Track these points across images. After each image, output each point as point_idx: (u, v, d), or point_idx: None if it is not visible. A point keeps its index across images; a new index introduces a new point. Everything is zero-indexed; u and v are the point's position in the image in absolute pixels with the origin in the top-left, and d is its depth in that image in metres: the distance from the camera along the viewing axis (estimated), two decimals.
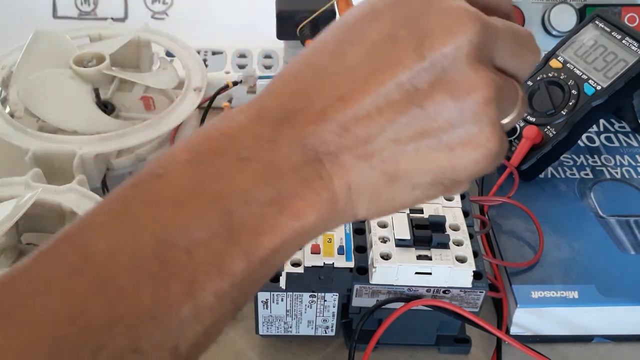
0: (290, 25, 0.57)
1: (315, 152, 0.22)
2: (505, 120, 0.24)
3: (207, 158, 0.21)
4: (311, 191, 0.22)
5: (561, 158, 0.51)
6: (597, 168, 0.51)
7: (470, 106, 0.22)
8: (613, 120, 0.56)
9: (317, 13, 0.56)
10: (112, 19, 0.58)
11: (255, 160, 0.21)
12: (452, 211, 0.38)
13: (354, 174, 0.22)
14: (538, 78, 0.51)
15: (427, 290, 0.37)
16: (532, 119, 0.50)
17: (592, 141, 0.54)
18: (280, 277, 0.36)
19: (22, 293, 0.19)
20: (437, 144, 0.22)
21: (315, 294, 0.37)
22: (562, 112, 0.49)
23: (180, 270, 0.20)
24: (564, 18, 0.62)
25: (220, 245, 0.20)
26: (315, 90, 0.22)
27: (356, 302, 0.37)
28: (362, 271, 0.36)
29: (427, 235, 0.36)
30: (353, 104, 0.22)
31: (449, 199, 0.39)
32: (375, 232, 0.37)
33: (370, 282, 0.36)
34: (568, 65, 0.50)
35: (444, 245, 0.36)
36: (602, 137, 0.55)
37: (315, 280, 0.36)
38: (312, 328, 0.39)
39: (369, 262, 0.36)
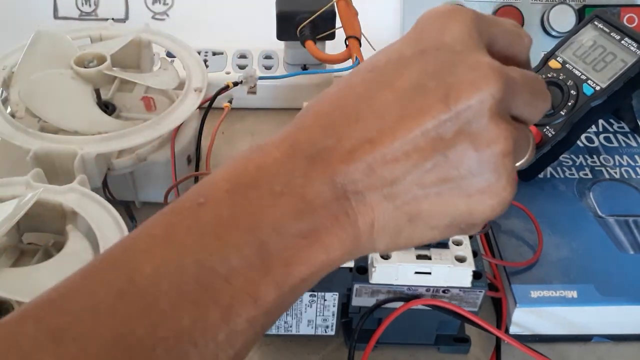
0: (290, 26, 0.57)
1: (344, 190, 0.23)
2: (517, 164, 0.25)
3: (244, 190, 0.23)
4: (339, 227, 0.23)
5: (560, 158, 0.51)
6: (596, 168, 0.51)
7: (490, 157, 0.23)
8: (612, 121, 0.57)
9: (317, 14, 0.56)
10: (112, 19, 0.58)
11: (288, 194, 0.23)
12: None
13: (378, 213, 0.24)
14: None
15: (427, 290, 0.37)
16: None
17: (591, 141, 0.54)
18: None
19: (70, 312, 0.20)
20: (457, 190, 0.24)
21: (315, 293, 0.37)
22: (561, 112, 0.49)
23: (219, 296, 0.21)
24: (563, 18, 0.62)
25: (254, 275, 0.22)
26: (345, 130, 0.24)
27: (356, 301, 0.38)
28: (361, 271, 0.37)
29: None
30: (381, 147, 0.23)
31: None
32: None
33: (370, 282, 0.36)
34: (567, 65, 0.51)
35: (444, 245, 0.36)
36: (601, 137, 0.55)
37: None
38: (312, 327, 0.39)
39: (369, 262, 0.37)
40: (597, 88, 0.49)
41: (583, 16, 0.61)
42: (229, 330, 0.21)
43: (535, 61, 0.53)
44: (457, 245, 0.36)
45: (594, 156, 0.53)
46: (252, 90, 0.59)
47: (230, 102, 0.55)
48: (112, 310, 0.20)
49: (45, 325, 0.20)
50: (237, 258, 0.22)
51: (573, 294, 0.41)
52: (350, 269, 0.36)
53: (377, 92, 0.24)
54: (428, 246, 0.36)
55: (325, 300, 0.37)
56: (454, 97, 0.23)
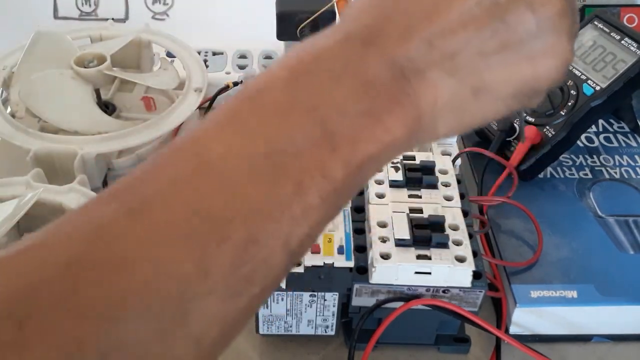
0: (290, 26, 0.57)
1: (402, 70, 0.23)
2: None
3: (302, 76, 0.23)
4: (399, 107, 0.23)
5: (560, 158, 0.51)
6: (596, 168, 0.51)
7: (548, 17, 0.24)
8: (612, 121, 0.57)
9: (317, 14, 0.56)
10: (112, 19, 0.59)
11: (346, 77, 0.23)
12: (451, 211, 0.38)
13: (441, 90, 0.24)
14: None
15: (427, 290, 0.37)
16: (531, 119, 0.50)
17: (591, 141, 0.54)
18: None
19: (151, 191, 0.21)
20: (519, 55, 0.24)
21: (315, 293, 0.37)
22: (561, 112, 0.49)
23: (289, 172, 0.22)
24: None
25: (321, 152, 0.22)
26: (398, 12, 0.24)
27: (356, 301, 0.38)
28: (362, 271, 0.37)
29: (426, 235, 0.36)
30: (438, 20, 0.23)
31: (449, 199, 0.39)
32: (375, 231, 0.37)
33: (370, 282, 0.36)
34: None
35: (444, 245, 0.36)
36: (601, 137, 0.55)
37: (315, 279, 0.36)
38: (312, 327, 0.39)
39: (369, 262, 0.37)
40: (597, 88, 0.49)
41: (583, 16, 0.61)
42: (302, 204, 0.22)
43: None
44: (457, 245, 0.36)
45: (594, 156, 0.53)
46: None
47: None
48: (189, 186, 0.21)
49: (124, 204, 0.20)
50: (303, 137, 0.22)
51: (573, 294, 0.41)
52: (351, 269, 0.36)
53: None
54: (428, 246, 0.36)
55: (325, 300, 0.37)
56: None
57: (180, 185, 0.21)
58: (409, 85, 0.23)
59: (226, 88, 0.55)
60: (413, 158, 0.41)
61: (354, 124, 0.23)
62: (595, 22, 0.51)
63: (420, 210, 0.38)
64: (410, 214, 0.38)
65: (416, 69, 0.23)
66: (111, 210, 0.20)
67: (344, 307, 0.38)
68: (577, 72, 0.50)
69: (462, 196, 0.40)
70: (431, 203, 0.39)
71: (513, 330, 0.42)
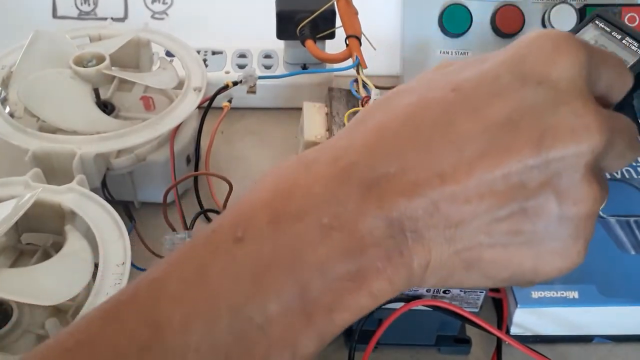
0: (290, 25, 0.57)
1: (401, 227, 0.20)
2: None
3: (288, 222, 0.20)
4: (391, 268, 0.21)
5: None
6: None
7: (573, 218, 0.21)
8: None
9: (317, 13, 0.56)
10: (112, 18, 0.58)
11: (337, 229, 0.20)
12: None
13: (435, 255, 0.21)
14: None
15: (427, 290, 0.37)
16: None
17: None
18: None
19: None
20: (527, 246, 0.21)
21: None
22: None
23: (254, 347, 0.19)
24: (564, 18, 0.62)
25: (294, 323, 0.20)
26: (412, 157, 0.20)
27: None
28: None
29: None
30: (453, 184, 0.20)
31: None
32: None
33: None
34: None
35: None
36: None
37: None
38: None
39: None
40: None
41: (584, 16, 0.61)
42: None
43: None
44: None
45: None
46: (252, 90, 0.59)
47: (229, 101, 0.55)
48: None
49: None
50: (276, 304, 0.19)
51: (574, 294, 0.41)
52: None
53: (459, 118, 0.21)
54: None
55: None
56: (549, 143, 0.20)
57: None
58: (405, 244, 0.20)
59: (226, 87, 0.55)
60: None
61: (335, 289, 0.20)
62: (596, 22, 0.51)
63: None
64: None
65: (416, 230, 0.20)
66: None
67: None
68: None
69: None
70: None
71: (514, 330, 0.42)
